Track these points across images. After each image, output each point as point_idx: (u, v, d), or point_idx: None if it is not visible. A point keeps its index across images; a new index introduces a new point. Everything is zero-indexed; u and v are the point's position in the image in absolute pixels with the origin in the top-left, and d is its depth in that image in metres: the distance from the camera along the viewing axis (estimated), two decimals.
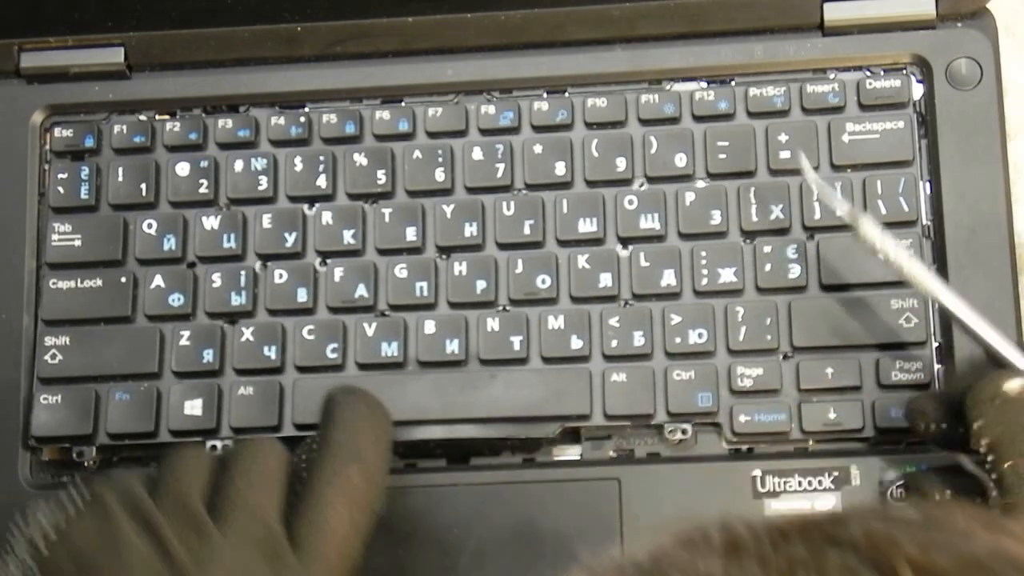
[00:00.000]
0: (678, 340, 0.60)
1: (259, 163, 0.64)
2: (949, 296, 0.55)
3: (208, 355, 0.61)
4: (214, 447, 0.60)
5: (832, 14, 0.63)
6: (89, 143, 0.65)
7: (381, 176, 0.63)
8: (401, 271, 0.62)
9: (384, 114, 0.64)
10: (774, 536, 0.31)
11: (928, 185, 0.61)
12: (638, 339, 0.60)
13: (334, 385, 0.54)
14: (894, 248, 0.55)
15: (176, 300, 0.62)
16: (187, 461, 0.52)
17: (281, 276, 0.62)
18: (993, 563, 0.29)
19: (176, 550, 0.48)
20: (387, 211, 0.63)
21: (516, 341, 0.60)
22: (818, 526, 0.31)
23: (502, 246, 0.62)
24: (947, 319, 0.59)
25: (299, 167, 0.64)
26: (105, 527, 0.48)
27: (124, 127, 0.65)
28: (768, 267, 0.61)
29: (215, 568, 0.47)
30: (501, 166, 0.63)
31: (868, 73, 0.63)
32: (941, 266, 0.60)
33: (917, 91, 0.62)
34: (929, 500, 0.52)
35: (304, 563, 0.48)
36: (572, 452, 0.61)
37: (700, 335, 0.60)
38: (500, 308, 0.61)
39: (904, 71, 0.63)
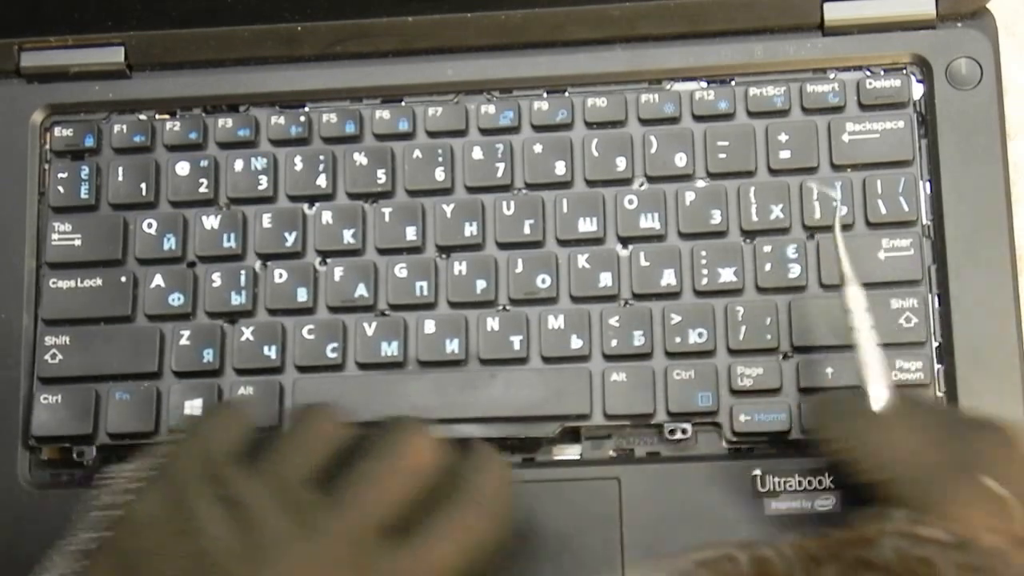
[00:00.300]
0: (678, 340, 0.60)
1: (259, 163, 0.64)
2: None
3: (208, 355, 0.61)
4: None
5: (832, 14, 0.63)
6: (89, 143, 0.65)
7: (381, 176, 0.63)
8: (401, 271, 0.62)
9: (384, 114, 0.64)
10: (805, 561, 0.30)
11: (928, 185, 0.61)
12: (638, 339, 0.60)
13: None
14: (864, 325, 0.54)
15: (176, 300, 0.62)
16: (313, 430, 0.51)
17: (281, 276, 0.62)
18: None
19: (261, 536, 0.47)
20: (387, 211, 0.63)
21: (516, 341, 0.60)
22: (849, 548, 0.30)
23: (502, 246, 0.62)
24: (947, 319, 0.59)
25: (299, 167, 0.64)
26: (180, 505, 0.48)
27: (124, 127, 0.65)
28: (768, 267, 0.61)
29: (296, 561, 0.46)
30: (501, 166, 0.63)
31: (868, 73, 0.63)
32: (941, 266, 0.60)
33: (917, 91, 0.62)
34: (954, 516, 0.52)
35: None
36: (572, 452, 0.61)
37: (700, 335, 0.60)
38: (500, 308, 0.61)
39: (904, 71, 0.63)
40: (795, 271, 0.60)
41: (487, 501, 0.50)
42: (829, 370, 0.59)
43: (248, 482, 0.48)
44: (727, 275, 0.61)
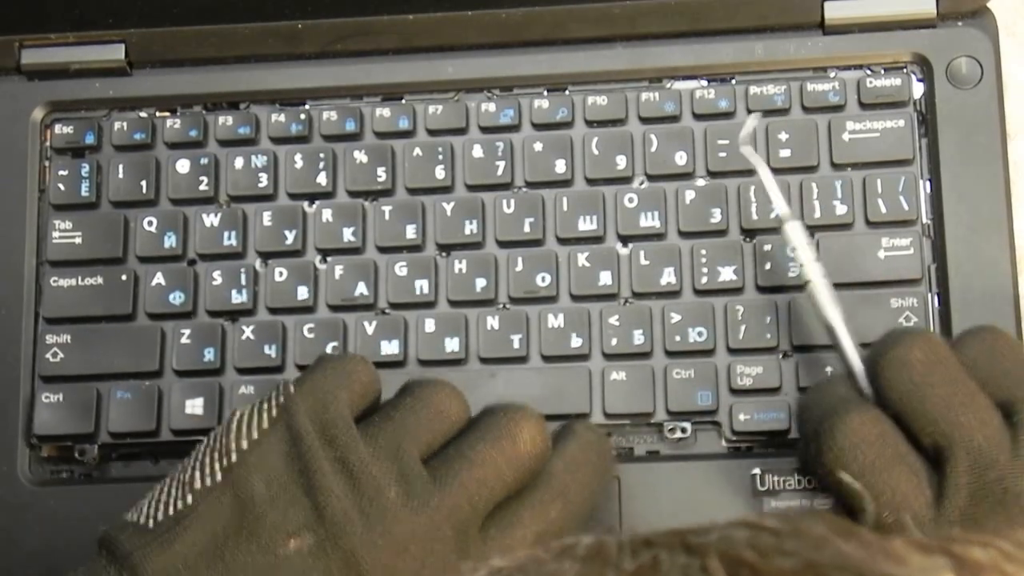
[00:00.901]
0: (678, 338, 0.60)
1: (259, 160, 0.64)
2: (840, 324, 0.55)
3: (209, 354, 0.61)
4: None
5: (833, 13, 0.63)
6: (90, 140, 0.65)
7: (381, 174, 0.63)
8: (401, 269, 0.62)
9: (384, 111, 0.64)
10: (637, 545, 0.31)
11: (928, 184, 0.61)
12: (638, 337, 0.60)
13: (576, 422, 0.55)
14: (811, 261, 0.55)
15: (177, 298, 0.62)
16: (429, 406, 0.51)
17: (281, 274, 0.62)
18: (832, 571, 0.29)
19: (371, 502, 0.47)
20: (387, 209, 0.63)
21: (516, 339, 0.61)
22: (682, 535, 0.31)
23: (502, 244, 0.62)
24: (947, 319, 0.59)
25: (299, 164, 0.64)
26: (300, 456, 0.48)
27: (124, 124, 0.65)
28: (768, 265, 0.61)
29: (401, 530, 0.47)
30: (501, 164, 0.63)
31: (869, 72, 0.63)
32: (941, 265, 0.60)
33: (917, 90, 0.62)
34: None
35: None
36: None
37: (700, 333, 0.60)
38: (500, 306, 0.61)
39: (904, 70, 0.63)
40: (795, 270, 0.60)
41: (573, 500, 0.51)
42: (829, 369, 0.59)
43: (365, 449, 0.49)
44: (727, 274, 0.61)
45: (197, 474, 0.48)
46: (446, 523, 0.48)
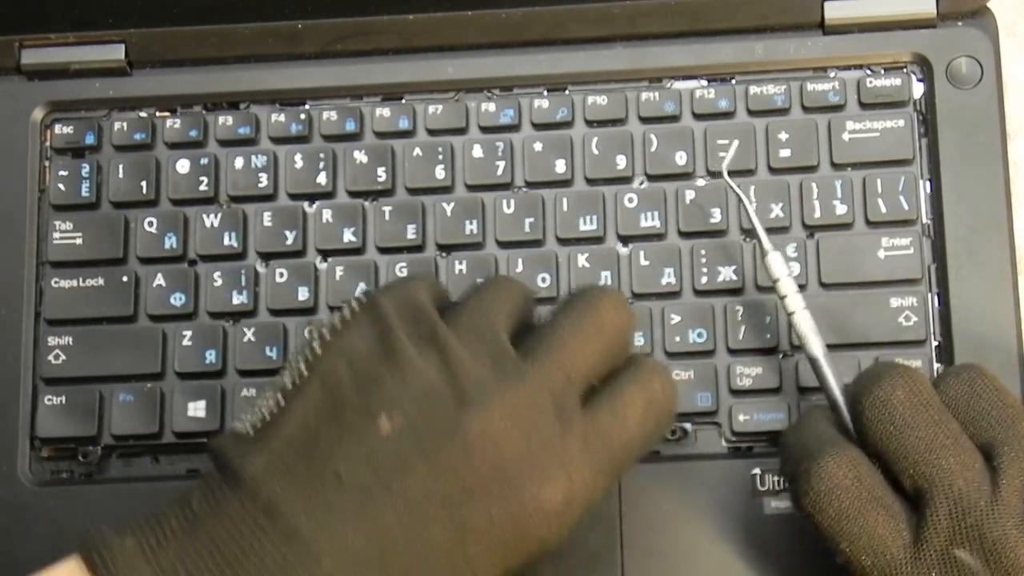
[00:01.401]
0: (677, 339, 0.60)
1: (259, 160, 0.64)
2: (822, 356, 0.54)
3: (211, 355, 0.61)
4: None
5: (833, 13, 0.63)
6: (90, 140, 0.65)
7: (381, 174, 0.63)
8: (401, 269, 0.62)
9: (384, 111, 0.64)
10: None
11: (928, 184, 0.61)
12: (637, 338, 0.60)
13: None
14: (793, 293, 0.55)
15: (178, 299, 0.62)
16: (504, 293, 0.50)
17: (282, 275, 0.62)
18: None
19: (464, 376, 0.46)
20: (387, 209, 0.63)
21: None
22: None
23: (502, 244, 0.62)
24: (947, 319, 0.60)
25: (299, 164, 0.64)
26: (384, 337, 0.47)
27: (124, 124, 0.65)
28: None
29: (500, 403, 0.46)
30: (501, 164, 0.63)
31: (869, 72, 0.63)
32: (941, 265, 0.60)
33: (917, 90, 0.62)
34: None
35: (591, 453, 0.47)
36: None
37: (699, 334, 0.60)
38: None
39: (904, 70, 0.63)
40: (795, 269, 0.60)
41: (668, 376, 0.51)
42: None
43: (452, 328, 0.48)
44: (727, 274, 0.61)
45: (287, 376, 0.47)
46: (543, 395, 0.46)
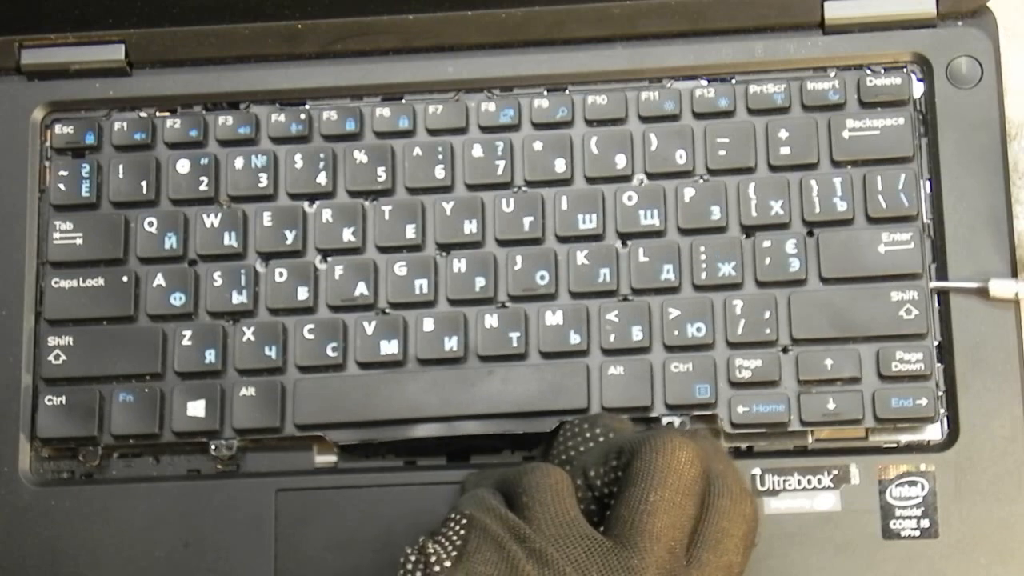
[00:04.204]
0: (676, 333, 0.60)
1: (259, 160, 0.64)
2: None
3: (210, 355, 0.61)
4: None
5: (833, 12, 0.63)
6: (90, 140, 0.65)
7: (381, 173, 0.63)
8: (401, 269, 0.62)
9: (384, 111, 0.64)
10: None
11: (928, 184, 0.61)
12: (636, 333, 0.60)
13: None
14: None
15: (178, 299, 0.62)
16: (554, 477, 0.51)
17: (281, 274, 0.62)
18: None
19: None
20: (387, 209, 0.63)
21: (514, 337, 0.61)
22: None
23: (502, 243, 0.62)
24: (947, 318, 0.60)
25: (299, 164, 0.64)
26: (504, 559, 0.48)
27: (125, 124, 0.65)
28: (767, 261, 0.61)
29: None
30: (501, 163, 0.63)
31: (869, 71, 0.63)
32: (941, 265, 0.60)
33: (917, 89, 0.63)
34: None
35: None
36: None
37: (698, 328, 0.60)
38: (499, 304, 0.61)
39: (904, 70, 0.63)
40: (795, 264, 0.61)
41: (746, 489, 0.52)
42: (828, 362, 0.59)
43: (550, 543, 0.48)
44: (726, 269, 0.61)
45: None
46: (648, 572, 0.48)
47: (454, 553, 0.48)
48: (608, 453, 0.52)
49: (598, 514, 0.52)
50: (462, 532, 0.49)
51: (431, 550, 0.48)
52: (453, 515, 0.50)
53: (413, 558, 0.49)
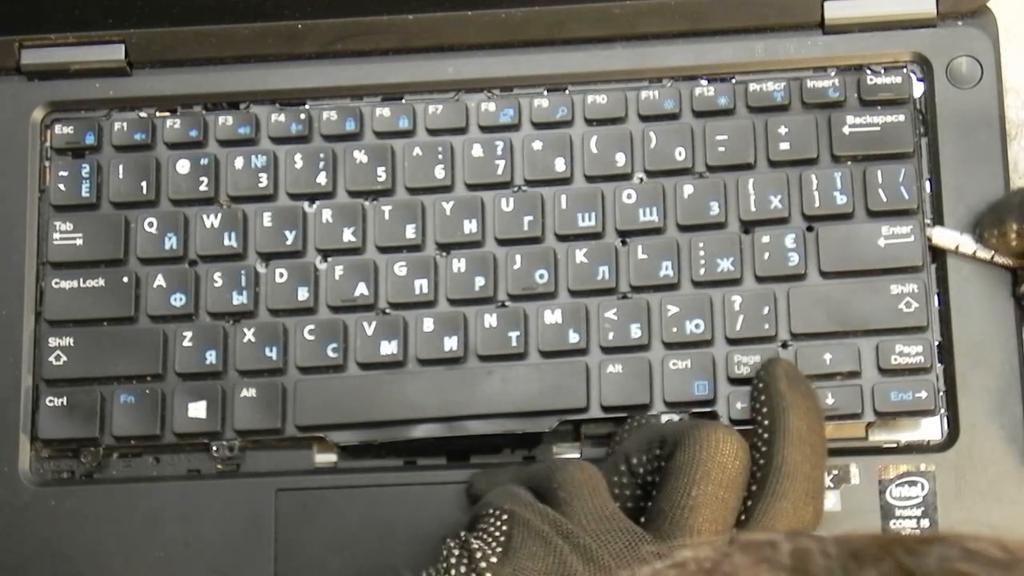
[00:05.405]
0: (675, 330, 0.60)
1: (259, 160, 0.64)
2: None
3: (211, 356, 0.61)
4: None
5: (833, 12, 0.63)
6: (90, 140, 0.65)
7: (381, 173, 0.63)
8: (401, 269, 0.62)
9: (384, 111, 0.64)
10: (845, 559, 0.30)
11: (928, 184, 0.61)
12: (635, 331, 0.60)
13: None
14: None
15: (178, 300, 0.62)
16: (586, 472, 0.51)
17: (282, 275, 0.62)
18: None
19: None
20: (387, 209, 0.63)
21: (514, 336, 0.61)
22: (894, 553, 0.30)
23: (501, 242, 0.62)
24: (947, 318, 0.60)
25: (299, 164, 0.64)
26: (551, 553, 0.48)
27: (125, 124, 0.65)
28: (767, 256, 0.61)
29: None
30: (501, 163, 0.63)
31: (869, 71, 0.63)
32: (941, 265, 0.60)
33: (917, 89, 0.63)
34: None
35: None
36: (574, 448, 0.61)
37: (697, 325, 0.60)
38: (499, 304, 0.61)
39: (905, 69, 0.63)
40: (794, 260, 0.61)
41: (806, 473, 0.52)
42: (828, 356, 0.59)
43: (590, 536, 0.48)
44: (725, 265, 0.61)
45: None
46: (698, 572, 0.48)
47: (499, 549, 0.48)
48: (652, 441, 0.52)
49: (641, 500, 0.52)
50: (504, 527, 0.49)
51: (475, 545, 0.48)
52: (492, 510, 0.50)
53: (456, 552, 0.49)
